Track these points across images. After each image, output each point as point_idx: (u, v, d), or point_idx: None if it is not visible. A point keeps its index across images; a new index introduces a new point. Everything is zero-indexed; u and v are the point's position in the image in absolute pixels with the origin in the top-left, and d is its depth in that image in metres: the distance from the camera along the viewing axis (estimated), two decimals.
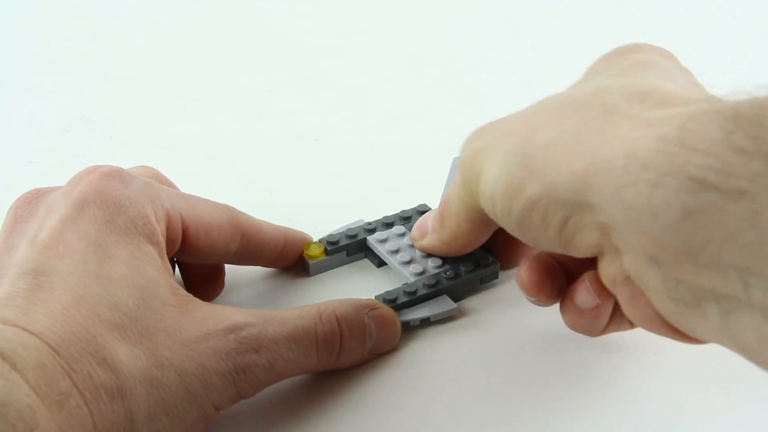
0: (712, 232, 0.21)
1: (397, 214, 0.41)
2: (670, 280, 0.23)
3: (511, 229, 0.28)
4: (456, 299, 0.37)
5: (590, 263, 0.28)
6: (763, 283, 0.20)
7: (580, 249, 0.26)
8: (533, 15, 0.75)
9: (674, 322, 0.24)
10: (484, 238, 0.35)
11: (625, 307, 0.26)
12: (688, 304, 0.23)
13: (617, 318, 0.30)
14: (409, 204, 0.42)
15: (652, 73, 0.27)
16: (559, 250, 0.27)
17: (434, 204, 0.40)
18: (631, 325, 0.30)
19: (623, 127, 0.24)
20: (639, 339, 0.35)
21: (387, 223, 0.40)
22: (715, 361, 0.34)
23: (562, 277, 0.31)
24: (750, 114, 0.20)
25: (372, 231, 0.40)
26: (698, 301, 0.22)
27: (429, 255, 0.38)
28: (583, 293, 0.29)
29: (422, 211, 0.41)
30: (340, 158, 0.51)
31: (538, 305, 0.33)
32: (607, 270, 0.26)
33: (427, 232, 0.36)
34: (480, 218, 0.32)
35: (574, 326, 0.31)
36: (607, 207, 0.23)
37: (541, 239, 0.27)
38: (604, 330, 0.31)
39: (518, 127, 0.28)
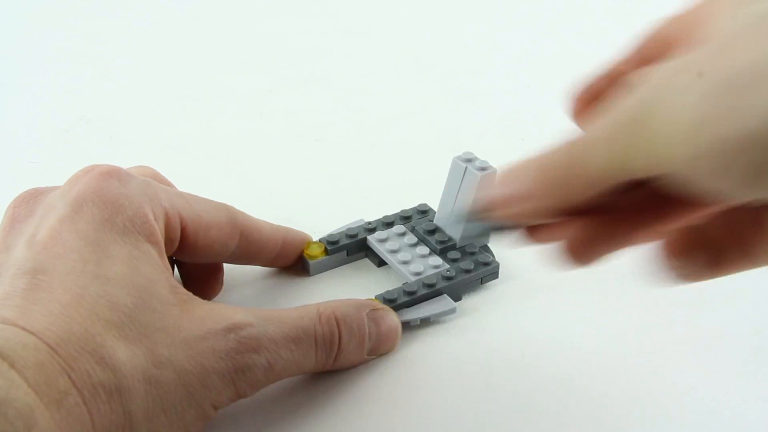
0: None
1: (397, 213, 0.41)
2: None
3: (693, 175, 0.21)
4: (456, 299, 0.37)
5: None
6: None
7: None
8: (533, 15, 0.75)
9: None
10: None
11: None
12: None
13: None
14: (409, 204, 0.42)
15: None
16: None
17: (434, 204, 0.40)
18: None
19: None
20: (639, 339, 0.35)
21: (387, 223, 0.40)
22: (715, 361, 0.34)
23: None
24: None
25: (372, 230, 0.40)
26: None
27: (429, 254, 0.38)
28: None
29: (422, 210, 0.41)
30: (340, 158, 0.51)
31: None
32: None
33: (517, 197, 0.25)
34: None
35: None
36: None
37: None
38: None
39: (688, 60, 0.21)
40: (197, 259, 0.34)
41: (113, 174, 0.30)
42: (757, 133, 0.19)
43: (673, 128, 0.21)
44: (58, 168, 0.49)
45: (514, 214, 0.26)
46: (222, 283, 0.38)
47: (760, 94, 0.19)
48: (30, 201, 0.31)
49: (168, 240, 0.32)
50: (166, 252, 0.31)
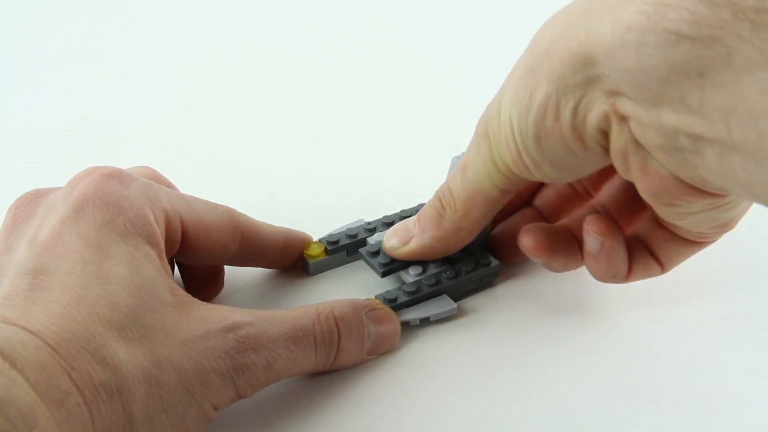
0: (693, 78, 0.23)
1: (397, 213, 0.41)
2: (670, 132, 0.25)
3: (532, 152, 0.29)
4: (456, 299, 0.37)
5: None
6: (740, 121, 0.22)
7: (592, 129, 0.27)
8: (532, 15, 0.75)
9: (683, 175, 0.26)
10: (481, 227, 0.35)
11: (642, 182, 0.28)
12: (690, 151, 0.24)
13: (641, 260, 0.33)
14: (409, 204, 0.42)
15: None
16: (577, 150, 0.28)
17: None
18: (661, 268, 0.33)
19: (609, 2, 0.26)
20: (640, 339, 0.35)
21: (387, 223, 0.40)
22: (712, 364, 0.34)
23: (564, 238, 0.34)
24: None
25: (372, 231, 0.40)
26: (696, 146, 0.24)
27: None
28: (588, 237, 0.32)
29: None
30: (340, 158, 0.51)
31: (554, 270, 0.35)
32: (617, 143, 0.27)
33: (411, 237, 0.36)
34: (492, 191, 0.33)
35: (597, 275, 0.33)
36: (608, 72, 0.25)
37: (559, 148, 0.28)
38: (630, 273, 0.33)
39: (518, 63, 0.30)
40: (198, 261, 0.34)
41: (114, 176, 0.30)
42: (539, 105, 0.28)
43: (503, 107, 0.30)
44: (58, 168, 0.49)
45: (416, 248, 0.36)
46: (222, 285, 0.38)
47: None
48: (32, 202, 0.31)
49: (168, 242, 0.32)
50: (167, 254, 0.31)
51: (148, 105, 0.58)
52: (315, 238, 0.40)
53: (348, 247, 0.39)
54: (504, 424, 0.31)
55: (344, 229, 0.40)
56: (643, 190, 0.28)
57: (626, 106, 0.26)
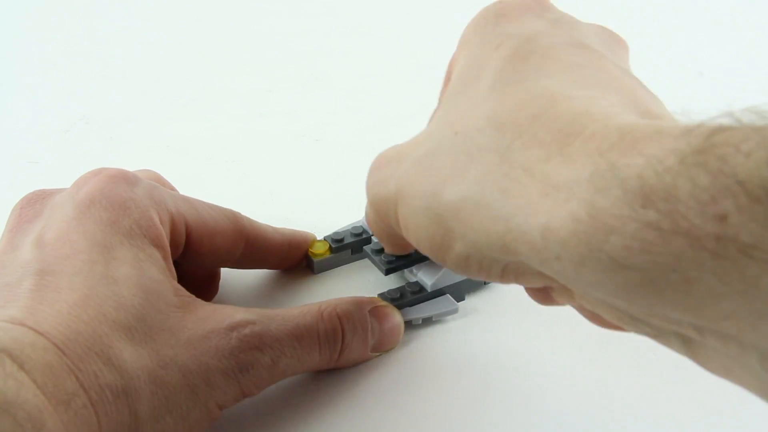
0: (653, 300, 0.19)
1: None
2: (626, 318, 0.22)
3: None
4: (459, 299, 0.37)
5: None
6: (713, 327, 0.19)
7: (528, 284, 0.25)
8: None
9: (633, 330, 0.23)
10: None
11: (587, 317, 0.25)
12: (651, 334, 0.22)
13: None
14: None
15: (549, 70, 0.24)
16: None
17: None
18: None
19: (530, 189, 0.22)
20: (640, 339, 0.35)
21: None
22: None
23: None
24: (659, 187, 0.18)
25: None
26: (659, 332, 0.21)
27: None
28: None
29: None
30: (340, 158, 0.51)
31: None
32: (559, 298, 0.25)
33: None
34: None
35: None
36: (543, 270, 0.22)
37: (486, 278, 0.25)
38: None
39: (420, 173, 0.26)
40: (202, 264, 0.34)
41: (121, 177, 0.30)
42: (458, 257, 0.24)
43: (408, 232, 0.27)
44: (58, 168, 0.49)
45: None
46: (217, 288, 0.38)
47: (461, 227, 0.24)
48: (37, 202, 0.31)
49: (173, 245, 0.32)
50: (171, 256, 0.31)
51: (148, 105, 0.58)
52: (318, 237, 0.40)
53: (353, 246, 0.39)
54: (504, 424, 0.31)
55: (349, 227, 0.40)
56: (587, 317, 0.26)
57: (568, 290, 0.23)
